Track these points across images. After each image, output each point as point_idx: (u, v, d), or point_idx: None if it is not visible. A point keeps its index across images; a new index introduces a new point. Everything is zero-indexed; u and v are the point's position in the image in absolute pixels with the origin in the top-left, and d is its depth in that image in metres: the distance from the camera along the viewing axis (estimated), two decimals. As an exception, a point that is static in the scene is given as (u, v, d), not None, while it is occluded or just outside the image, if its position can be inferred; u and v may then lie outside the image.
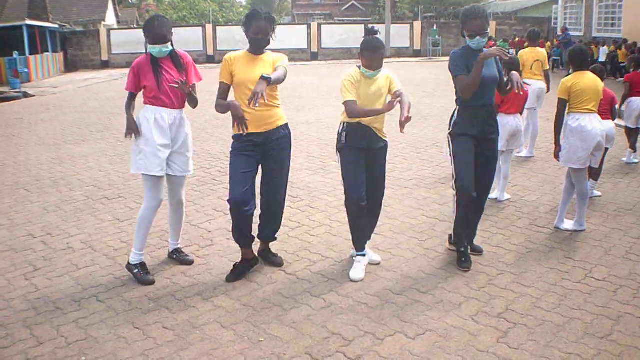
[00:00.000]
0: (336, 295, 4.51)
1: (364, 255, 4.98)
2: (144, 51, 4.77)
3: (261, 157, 4.79)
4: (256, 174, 4.82)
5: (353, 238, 5.01)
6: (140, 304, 4.42)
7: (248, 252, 4.92)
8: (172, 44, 4.72)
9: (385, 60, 4.82)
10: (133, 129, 4.75)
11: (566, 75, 5.90)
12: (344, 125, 4.83)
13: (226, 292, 4.58)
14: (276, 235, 5.15)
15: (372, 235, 5.19)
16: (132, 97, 4.86)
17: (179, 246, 5.23)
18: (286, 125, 4.88)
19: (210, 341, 3.90)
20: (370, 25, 5.01)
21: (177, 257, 5.17)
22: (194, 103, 4.90)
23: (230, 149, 4.79)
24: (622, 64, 18.83)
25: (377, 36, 4.75)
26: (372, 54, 4.66)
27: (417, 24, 34.71)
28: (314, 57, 33.37)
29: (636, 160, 8.35)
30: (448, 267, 4.96)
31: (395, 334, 3.94)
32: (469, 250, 5.10)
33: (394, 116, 4.91)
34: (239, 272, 4.86)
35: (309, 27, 34.46)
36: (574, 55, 5.68)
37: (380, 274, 4.86)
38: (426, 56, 32.89)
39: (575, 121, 5.47)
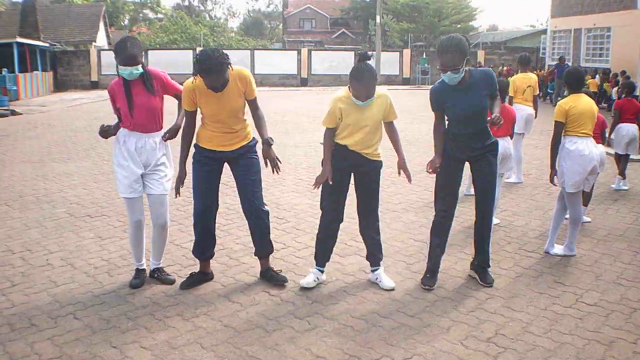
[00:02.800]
0: (321, 317, 4.38)
1: (322, 271, 5.00)
2: (117, 73, 4.68)
3: (234, 172, 4.83)
4: (218, 185, 4.86)
5: (316, 253, 4.98)
6: (119, 323, 4.27)
7: (206, 265, 5.03)
8: (143, 67, 4.63)
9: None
10: (106, 131, 4.81)
11: (562, 98, 5.85)
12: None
13: (207, 313, 4.44)
14: (271, 250, 5.06)
15: (362, 257, 5.09)
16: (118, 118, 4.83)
17: (160, 266, 5.10)
18: (252, 140, 4.84)
19: (190, 362, 3.76)
20: (363, 51, 4.85)
21: (158, 276, 5.03)
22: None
23: (192, 161, 4.79)
24: (609, 96, 18.99)
25: (370, 62, 4.56)
26: (358, 83, 4.49)
27: (407, 52, 34.94)
28: (304, 82, 33.45)
29: (625, 187, 8.33)
30: (436, 291, 4.85)
31: (381, 357, 3.82)
32: (479, 280, 5.00)
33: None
34: (195, 281, 4.92)
35: (299, 52, 34.58)
36: (570, 76, 5.63)
37: (367, 296, 4.75)
38: (415, 84, 33.06)
39: (573, 144, 5.41)
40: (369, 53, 4.73)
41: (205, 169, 4.74)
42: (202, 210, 4.79)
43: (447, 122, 4.91)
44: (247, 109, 4.76)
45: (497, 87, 4.93)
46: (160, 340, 4.03)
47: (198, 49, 33.25)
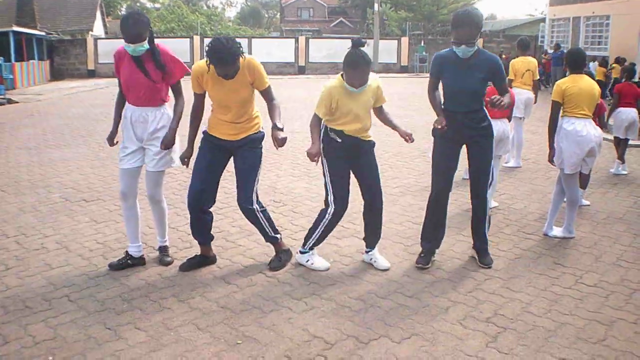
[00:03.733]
0: (318, 298, 4.34)
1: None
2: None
3: (233, 158, 4.76)
4: (220, 173, 4.76)
5: (317, 240, 4.90)
6: (113, 305, 4.22)
7: (206, 250, 4.95)
8: (151, 42, 4.54)
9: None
10: (109, 138, 4.90)
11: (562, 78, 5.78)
12: (326, 129, 4.69)
13: (203, 294, 4.39)
14: (268, 237, 4.97)
15: (362, 240, 5.06)
16: (120, 87, 4.77)
17: (165, 244, 5.08)
18: (258, 132, 4.75)
19: (185, 343, 3.71)
20: (357, 37, 4.77)
21: (158, 255, 4.99)
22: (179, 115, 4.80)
23: (199, 145, 4.73)
24: (599, 81, 18.84)
25: (364, 49, 4.48)
26: (352, 70, 4.44)
27: (405, 40, 34.78)
28: (301, 70, 33.30)
29: (624, 172, 8.28)
30: (434, 272, 4.81)
31: (379, 337, 3.77)
32: (478, 261, 4.97)
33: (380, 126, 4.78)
34: (195, 264, 4.88)
35: (297, 41, 34.39)
36: (571, 57, 5.56)
37: (365, 277, 4.70)
38: (413, 72, 32.93)
39: (570, 125, 5.35)
40: (363, 40, 4.68)
41: (209, 154, 4.68)
42: (197, 191, 4.68)
43: (443, 99, 4.83)
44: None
45: (503, 72, 4.83)
46: (155, 321, 3.98)
47: (195, 38, 33.16)
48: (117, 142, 4.87)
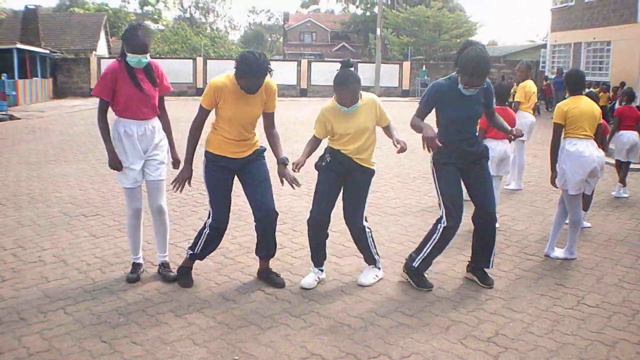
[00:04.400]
0: (317, 315, 4.29)
1: (322, 270, 4.93)
2: (119, 59, 4.61)
3: (241, 175, 4.71)
4: (231, 191, 4.75)
5: (312, 256, 4.90)
6: (110, 318, 4.16)
7: (191, 263, 4.92)
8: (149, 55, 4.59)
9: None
10: (116, 164, 4.69)
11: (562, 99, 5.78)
12: (327, 149, 4.76)
13: (200, 310, 4.34)
14: (273, 252, 4.94)
15: (359, 258, 5.01)
16: (105, 109, 4.66)
17: (165, 259, 5.03)
18: (260, 147, 4.76)
19: (181, 358, 3.65)
20: (346, 59, 4.76)
21: (161, 271, 4.94)
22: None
23: (205, 167, 4.67)
24: (602, 106, 18.89)
25: (352, 69, 4.50)
26: (340, 90, 4.46)
27: (406, 65, 34.98)
28: (303, 93, 33.43)
29: (625, 195, 8.25)
30: (435, 291, 4.76)
31: (379, 356, 3.72)
32: (479, 282, 4.92)
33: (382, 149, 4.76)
34: (189, 274, 4.87)
35: (299, 64, 34.59)
36: (570, 78, 5.57)
37: (364, 296, 4.65)
38: (414, 96, 33.02)
39: (573, 146, 5.34)
40: (352, 61, 4.70)
41: (218, 175, 4.63)
42: (222, 217, 4.70)
43: (437, 129, 4.67)
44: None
45: (493, 96, 4.85)
46: (151, 335, 3.93)
47: (199, 59, 33.31)
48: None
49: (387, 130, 4.78)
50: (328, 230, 4.87)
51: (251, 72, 4.26)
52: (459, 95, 4.57)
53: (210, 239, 4.74)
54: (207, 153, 4.66)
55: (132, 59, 4.49)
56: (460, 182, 4.78)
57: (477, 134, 4.83)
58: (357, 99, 4.49)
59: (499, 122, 4.94)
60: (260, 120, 4.70)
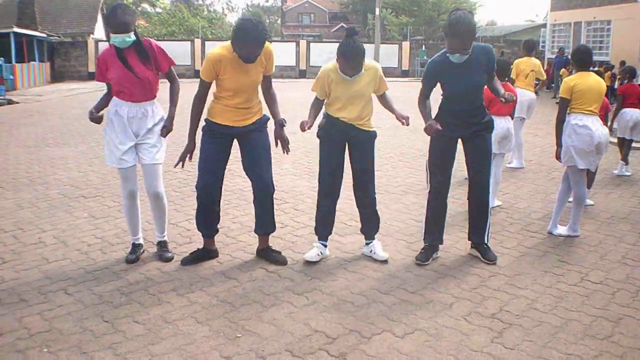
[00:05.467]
0: (320, 293, 4.26)
1: (325, 245, 4.92)
2: (107, 41, 4.57)
3: (241, 144, 4.66)
4: (226, 162, 4.70)
5: (316, 227, 4.92)
6: (111, 298, 4.14)
7: (210, 242, 4.87)
8: (136, 35, 4.49)
9: None
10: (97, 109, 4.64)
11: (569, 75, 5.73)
12: (324, 115, 4.77)
13: (202, 288, 4.31)
14: (273, 229, 4.92)
15: (361, 235, 4.98)
16: (108, 91, 4.70)
17: (164, 239, 4.98)
18: (263, 116, 4.71)
19: (183, 336, 3.63)
20: (350, 26, 4.71)
21: (158, 250, 4.91)
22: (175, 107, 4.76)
23: (202, 134, 4.63)
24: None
25: (356, 39, 4.44)
26: (344, 61, 4.42)
27: (406, 45, 34.79)
28: (302, 74, 33.25)
29: (628, 173, 8.20)
30: (438, 269, 4.73)
31: (382, 332, 3.69)
32: (481, 257, 4.90)
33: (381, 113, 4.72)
34: (197, 257, 4.80)
35: (298, 44, 34.39)
36: (578, 54, 5.51)
37: (367, 273, 4.62)
38: (414, 76, 32.89)
39: (578, 121, 5.29)
40: (357, 28, 4.63)
41: (214, 144, 4.58)
42: (208, 184, 4.62)
43: (442, 98, 4.76)
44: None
45: (495, 63, 4.77)
46: (153, 314, 3.90)
47: (196, 41, 33.11)
48: (101, 114, 4.63)
49: (386, 101, 4.78)
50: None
51: (250, 41, 4.20)
52: (455, 67, 4.54)
53: (201, 208, 4.69)
54: (206, 120, 4.63)
55: (115, 39, 4.42)
56: (450, 152, 4.79)
57: (482, 103, 4.77)
58: (360, 69, 4.47)
59: (494, 86, 4.83)
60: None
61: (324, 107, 4.76)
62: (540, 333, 3.69)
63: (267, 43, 4.42)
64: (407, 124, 4.68)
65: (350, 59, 4.40)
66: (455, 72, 4.57)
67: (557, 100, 5.50)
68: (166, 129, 4.71)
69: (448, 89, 4.70)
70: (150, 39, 4.66)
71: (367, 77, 4.56)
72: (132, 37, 4.44)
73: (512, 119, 6.65)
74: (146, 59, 4.54)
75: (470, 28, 4.41)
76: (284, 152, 4.70)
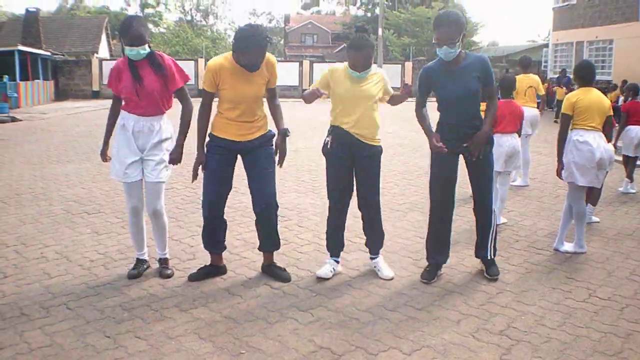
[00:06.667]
0: (325, 310, 4.21)
1: (337, 262, 4.91)
2: (122, 53, 4.58)
3: (245, 161, 4.63)
4: (232, 178, 4.65)
5: (327, 243, 4.91)
6: (113, 313, 4.09)
7: (217, 259, 4.82)
8: (149, 47, 4.48)
9: None
10: (104, 153, 4.84)
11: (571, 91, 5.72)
12: (329, 130, 4.74)
13: (206, 304, 4.26)
14: (277, 246, 4.88)
15: (366, 252, 4.94)
16: (116, 102, 4.69)
17: (165, 256, 4.92)
18: (269, 131, 4.67)
19: (186, 352, 3.58)
20: (361, 23, 4.78)
21: (158, 268, 4.86)
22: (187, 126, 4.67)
23: (206, 149, 4.60)
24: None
25: (366, 35, 4.56)
26: (355, 53, 4.48)
27: (409, 65, 34.90)
28: (306, 94, 33.35)
29: (633, 190, 8.15)
30: (444, 285, 4.68)
31: (389, 349, 3.64)
32: (485, 272, 4.86)
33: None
34: (204, 273, 4.75)
35: (301, 64, 34.54)
36: (581, 70, 5.50)
37: (373, 290, 4.57)
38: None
39: (579, 137, 5.26)
40: (367, 26, 4.72)
41: (218, 159, 4.54)
42: (214, 200, 4.59)
43: (437, 108, 4.75)
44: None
45: (492, 73, 4.68)
46: (156, 330, 3.85)
47: (200, 60, 33.26)
48: (109, 158, 4.75)
49: (393, 98, 4.85)
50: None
51: (251, 45, 4.19)
52: (448, 72, 4.56)
53: (207, 224, 4.66)
54: (210, 135, 4.59)
55: (130, 51, 4.41)
56: (452, 168, 4.75)
57: (478, 114, 4.71)
58: (370, 64, 4.54)
59: (491, 111, 4.76)
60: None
61: (330, 120, 4.73)
62: (548, 349, 3.63)
63: (270, 55, 4.42)
64: (409, 90, 4.70)
65: (360, 50, 4.45)
66: (447, 78, 4.59)
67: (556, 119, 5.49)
68: (171, 159, 4.63)
69: (440, 95, 4.68)
70: (163, 54, 4.64)
71: (374, 79, 4.62)
72: (147, 49, 4.44)
73: (519, 136, 6.59)
74: (159, 71, 4.50)
75: (456, 19, 4.46)
76: (277, 164, 4.62)
